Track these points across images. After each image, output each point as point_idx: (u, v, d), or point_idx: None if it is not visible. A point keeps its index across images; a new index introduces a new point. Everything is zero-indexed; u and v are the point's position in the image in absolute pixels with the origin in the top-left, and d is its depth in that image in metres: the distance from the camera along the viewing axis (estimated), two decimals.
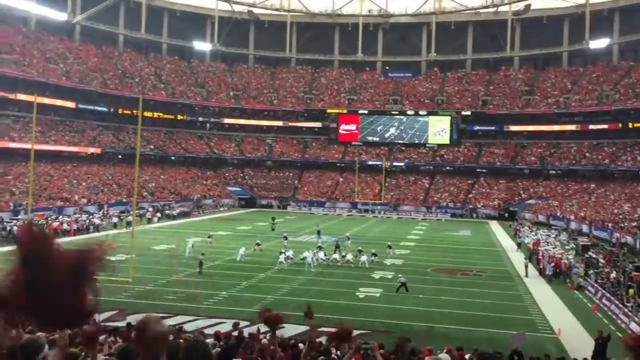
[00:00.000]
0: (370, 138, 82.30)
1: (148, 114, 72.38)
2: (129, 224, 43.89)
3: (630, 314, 21.78)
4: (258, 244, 36.21)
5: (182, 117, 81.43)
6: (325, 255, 33.06)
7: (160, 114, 78.14)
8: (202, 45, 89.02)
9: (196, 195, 69.30)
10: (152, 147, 74.40)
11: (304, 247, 35.16)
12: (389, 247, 37.16)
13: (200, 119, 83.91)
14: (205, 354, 2.74)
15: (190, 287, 25.11)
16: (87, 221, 45.39)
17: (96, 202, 55.52)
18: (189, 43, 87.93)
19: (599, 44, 76.89)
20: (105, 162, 67.98)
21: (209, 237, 38.71)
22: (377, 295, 25.48)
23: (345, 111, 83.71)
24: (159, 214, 55.18)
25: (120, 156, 70.47)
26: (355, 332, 14.66)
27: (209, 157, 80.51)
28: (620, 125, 68.71)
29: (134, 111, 69.73)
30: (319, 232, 44.21)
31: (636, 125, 66.62)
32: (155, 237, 42.13)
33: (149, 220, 52.22)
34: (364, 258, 32.45)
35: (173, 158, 78.03)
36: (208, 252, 32.73)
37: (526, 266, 32.20)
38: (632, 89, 69.93)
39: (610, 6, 77.01)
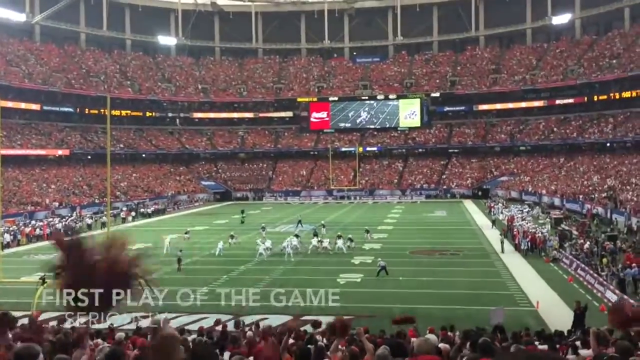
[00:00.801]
0: (341, 124, 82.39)
1: (116, 112, 71.26)
2: (103, 224, 43.32)
3: (605, 282, 22.31)
4: (232, 237, 35.78)
5: (150, 114, 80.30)
6: (299, 242, 32.92)
7: (129, 112, 77.06)
8: (166, 40, 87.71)
9: (170, 192, 68.65)
10: (122, 145, 73.28)
11: (282, 238, 35.07)
12: (367, 231, 37.39)
13: (170, 114, 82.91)
14: (212, 354, 2.73)
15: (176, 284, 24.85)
16: (60, 224, 44.62)
17: (68, 205, 54.64)
18: (153, 38, 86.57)
19: (561, 19, 77.97)
20: (74, 164, 66.83)
21: (186, 233, 38.38)
22: (358, 280, 25.64)
23: (315, 99, 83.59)
24: (133, 213, 54.54)
25: (89, 157, 69.25)
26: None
27: (180, 153, 79.72)
28: (585, 98, 69.93)
29: (101, 110, 68.65)
30: (299, 222, 44.21)
31: (601, 97, 67.91)
32: (131, 236, 41.57)
33: (123, 220, 51.57)
34: (340, 243, 32.57)
35: (144, 156, 77.00)
36: (186, 248, 32.49)
37: (502, 242, 32.69)
38: (596, 63, 71.16)
39: None
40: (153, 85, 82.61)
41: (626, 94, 64.69)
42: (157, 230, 43.80)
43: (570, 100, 71.92)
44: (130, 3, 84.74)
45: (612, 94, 66.52)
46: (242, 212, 50.91)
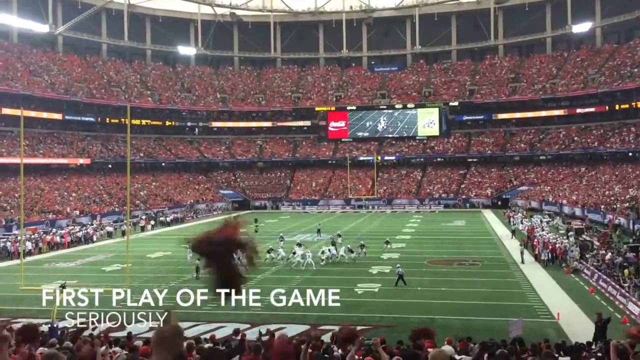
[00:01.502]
0: (359, 134, 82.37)
1: (136, 121, 72.03)
2: (123, 233, 43.71)
3: (627, 294, 21.93)
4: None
5: (170, 123, 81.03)
6: (304, 249, 32.79)
7: (149, 121, 77.82)
8: (186, 50, 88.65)
9: (189, 201, 69.08)
10: (141, 154, 74.04)
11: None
12: (387, 242, 36.92)
13: (189, 123, 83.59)
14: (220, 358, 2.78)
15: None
16: (81, 232, 45.12)
17: (89, 213, 55.25)
18: (173, 48, 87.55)
19: (581, 28, 77.25)
20: (95, 173, 67.61)
21: None
22: (376, 290, 25.51)
23: (333, 108, 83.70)
24: (152, 222, 54.96)
25: (110, 165, 70.11)
26: (357, 328, 14.67)
27: (199, 162, 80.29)
28: (607, 107, 69.05)
29: (122, 120, 69.62)
30: (319, 231, 44.28)
31: (623, 106, 67.02)
32: (151, 244, 41.97)
33: (143, 229, 51.98)
34: (341, 251, 32.71)
35: (163, 164, 77.73)
36: None
37: (522, 253, 32.35)
38: (617, 71, 70.33)
39: None
40: (173, 95, 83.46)
41: None
42: (176, 239, 44.05)
43: (591, 109, 71.11)
44: (151, 14, 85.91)
45: (633, 103, 65.57)
46: (256, 220, 50.66)
